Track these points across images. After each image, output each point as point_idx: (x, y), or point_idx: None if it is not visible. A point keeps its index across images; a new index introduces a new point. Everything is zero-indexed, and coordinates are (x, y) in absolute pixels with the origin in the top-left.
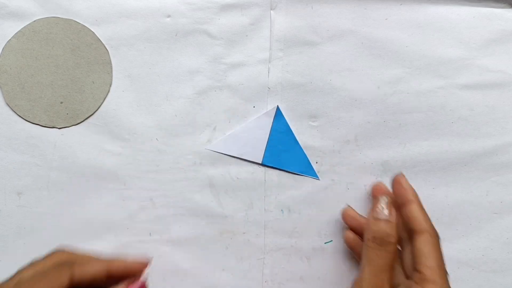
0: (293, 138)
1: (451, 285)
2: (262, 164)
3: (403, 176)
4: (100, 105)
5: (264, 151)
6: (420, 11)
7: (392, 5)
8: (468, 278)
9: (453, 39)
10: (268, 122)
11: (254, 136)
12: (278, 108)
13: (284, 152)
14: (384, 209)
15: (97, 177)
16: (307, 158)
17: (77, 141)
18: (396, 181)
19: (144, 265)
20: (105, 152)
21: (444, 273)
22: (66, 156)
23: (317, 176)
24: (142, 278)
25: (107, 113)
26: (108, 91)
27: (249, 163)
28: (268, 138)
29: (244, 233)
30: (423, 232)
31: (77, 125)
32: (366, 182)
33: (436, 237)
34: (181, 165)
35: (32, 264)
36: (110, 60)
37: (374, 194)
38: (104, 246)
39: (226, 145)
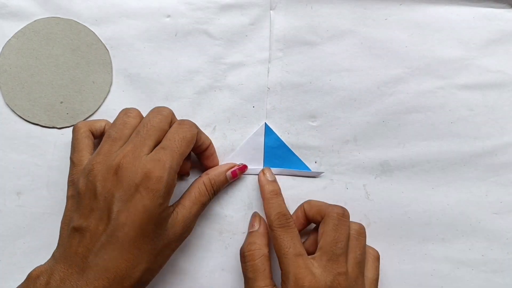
0: (288, 150)
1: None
2: None
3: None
4: (100, 105)
5: (262, 167)
6: (419, 11)
7: (392, 5)
8: (468, 278)
9: (453, 39)
10: (260, 141)
11: (250, 157)
12: (266, 125)
13: (282, 165)
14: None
15: None
16: (307, 167)
17: None
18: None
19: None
20: None
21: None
22: (66, 156)
23: (318, 172)
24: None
25: (107, 113)
26: (108, 91)
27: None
28: (264, 156)
29: (243, 233)
30: (323, 215)
31: None
32: (365, 182)
33: (337, 216)
34: None
35: None
36: (110, 60)
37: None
38: None
39: None
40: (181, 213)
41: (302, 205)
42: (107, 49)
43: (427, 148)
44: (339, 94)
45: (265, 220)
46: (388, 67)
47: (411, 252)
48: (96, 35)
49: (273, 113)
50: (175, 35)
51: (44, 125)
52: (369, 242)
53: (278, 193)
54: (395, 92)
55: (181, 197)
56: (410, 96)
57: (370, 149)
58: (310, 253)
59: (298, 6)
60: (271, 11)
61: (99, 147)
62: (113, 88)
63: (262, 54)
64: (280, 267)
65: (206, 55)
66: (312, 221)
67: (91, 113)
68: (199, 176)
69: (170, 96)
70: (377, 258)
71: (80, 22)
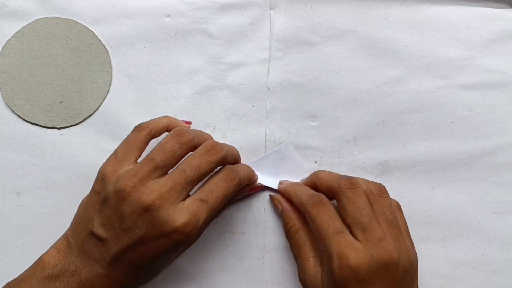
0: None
1: (428, 280)
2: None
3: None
4: (100, 105)
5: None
6: (419, 11)
7: (392, 5)
8: (468, 278)
9: (453, 39)
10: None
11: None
12: (290, 144)
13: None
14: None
15: None
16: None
17: (76, 141)
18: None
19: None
20: (105, 152)
21: (358, 220)
22: (65, 156)
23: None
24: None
25: (107, 113)
26: (108, 91)
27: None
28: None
29: (243, 233)
30: (334, 193)
31: (77, 125)
32: None
33: (345, 190)
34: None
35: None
36: (110, 60)
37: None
38: None
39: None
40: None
41: (312, 179)
42: (106, 49)
43: (427, 148)
44: (339, 94)
45: (282, 196)
46: (388, 67)
47: None
48: (95, 35)
49: (273, 113)
50: (175, 35)
51: (43, 125)
52: None
53: (300, 184)
54: (395, 92)
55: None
56: (410, 96)
57: (370, 149)
58: None
59: (298, 6)
60: (271, 11)
61: (138, 165)
62: (112, 88)
63: (262, 54)
64: (322, 247)
65: (206, 55)
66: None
67: (90, 113)
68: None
69: (170, 96)
70: (399, 208)
71: (79, 22)
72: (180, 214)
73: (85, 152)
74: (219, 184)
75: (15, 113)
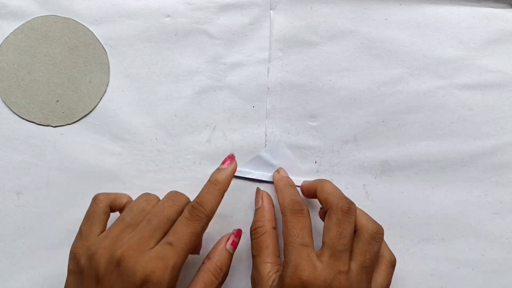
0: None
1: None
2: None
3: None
4: (96, 105)
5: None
6: (419, 11)
7: (392, 5)
8: (468, 278)
9: (453, 39)
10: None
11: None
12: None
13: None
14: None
15: (97, 176)
16: None
17: (76, 140)
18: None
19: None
20: (105, 151)
21: (331, 245)
22: (65, 156)
23: None
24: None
25: (107, 112)
26: (105, 91)
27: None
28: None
29: (243, 233)
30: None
31: (77, 125)
32: (365, 182)
33: (339, 211)
34: (181, 165)
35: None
36: (108, 61)
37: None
38: None
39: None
40: None
41: (315, 184)
42: (104, 49)
43: (427, 148)
44: (339, 94)
45: (268, 194)
46: (388, 67)
47: (411, 252)
48: (94, 35)
49: (273, 113)
50: (175, 35)
51: (39, 123)
52: None
53: (292, 184)
54: (395, 92)
55: None
56: (410, 96)
57: (370, 149)
58: None
59: (298, 6)
60: (271, 11)
61: (109, 228)
62: (112, 88)
63: (262, 54)
64: (284, 254)
65: (206, 55)
66: (319, 202)
67: (86, 112)
68: (202, 263)
69: (170, 96)
70: (392, 264)
71: (79, 21)
72: (148, 259)
73: (85, 152)
74: (184, 223)
75: (13, 111)
